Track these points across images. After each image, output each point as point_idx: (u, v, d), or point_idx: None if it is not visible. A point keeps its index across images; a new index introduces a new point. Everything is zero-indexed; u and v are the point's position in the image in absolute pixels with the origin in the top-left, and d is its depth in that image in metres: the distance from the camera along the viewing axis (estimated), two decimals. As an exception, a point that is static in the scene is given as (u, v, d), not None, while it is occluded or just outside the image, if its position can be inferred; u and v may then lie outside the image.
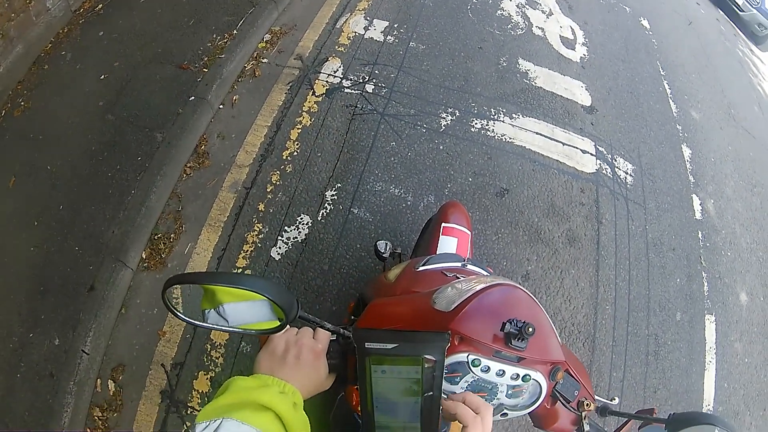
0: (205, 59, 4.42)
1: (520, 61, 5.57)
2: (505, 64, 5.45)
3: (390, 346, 1.07)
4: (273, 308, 1.09)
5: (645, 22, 8.13)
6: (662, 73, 7.08)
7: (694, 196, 5.51)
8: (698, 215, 5.35)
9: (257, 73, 4.56)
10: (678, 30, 9.04)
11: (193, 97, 4.16)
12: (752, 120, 8.05)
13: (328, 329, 1.23)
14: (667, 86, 6.87)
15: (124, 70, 4.37)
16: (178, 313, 1.09)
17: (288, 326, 1.11)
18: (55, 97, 4.24)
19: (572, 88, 5.64)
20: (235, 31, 4.67)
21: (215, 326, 1.10)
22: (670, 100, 6.62)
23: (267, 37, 4.87)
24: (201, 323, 1.11)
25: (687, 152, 5.96)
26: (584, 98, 5.62)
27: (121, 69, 4.38)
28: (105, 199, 3.65)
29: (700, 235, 5.18)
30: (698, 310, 4.60)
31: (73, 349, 3.07)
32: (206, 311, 1.11)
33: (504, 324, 1.19)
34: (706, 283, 4.83)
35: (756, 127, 7.85)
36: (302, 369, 1.12)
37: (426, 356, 1.05)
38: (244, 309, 1.10)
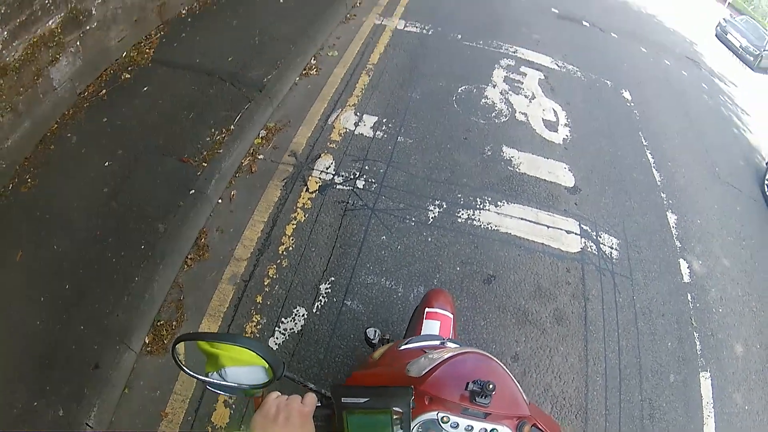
0: (205, 153, 4.65)
1: (504, 148, 5.85)
2: (489, 153, 5.72)
3: (362, 400, 1.29)
4: (265, 371, 1.35)
5: (626, 94, 8.50)
6: (645, 143, 7.38)
7: (681, 260, 5.69)
8: (686, 278, 5.51)
9: (254, 169, 4.81)
10: (659, 96, 9.43)
11: (193, 191, 4.37)
12: (738, 174, 8.32)
13: (310, 388, 1.43)
14: (650, 155, 7.14)
15: (128, 158, 4.58)
16: (185, 368, 1.36)
17: (277, 381, 1.35)
18: (61, 178, 4.42)
19: (555, 170, 5.90)
20: (232, 126, 4.92)
21: (216, 382, 1.35)
22: (654, 170, 6.89)
23: (263, 132, 5.15)
24: (204, 378, 1.36)
25: (672, 218, 6.19)
26: (567, 179, 5.87)
27: (124, 157, 4.59)
28: (110, 283, 3.79)
29: (689, 297, 5.33)
30: (692, 369, 4.72)
31: (77, 422, 3.16)
32: (210, 373, 1.36)
33: (468, 384, 1.35)
34: (698, 342, 4.96)
35: (742, 181, 8.14)
36: (291, 430, 1.26)
37: (394, 408, 1.27)
38: (241, 372, 1.35)
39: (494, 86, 6.93)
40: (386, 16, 7.99)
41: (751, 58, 17.05)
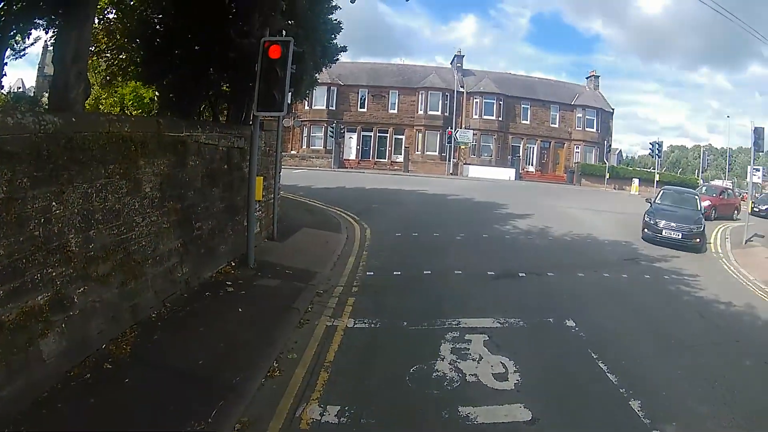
0: None
1: (460, 408, 6.18)
2: (447, 416, 6.04)
3: None
4: None
5: (570, 323, 9.27)
6: (594, 356, 7.95)
7: None
8: None
9: None
10: (604, 309, 10.44)
11: None
12: (700, 335, 9.51)
13: None
14: (602, 365, 7.68)
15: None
16: None
17: None
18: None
19: (512, 411, 6.22)
20: (209, 420, 5.23)
21: None
22: (608, 375, 7.39)
23: (237, 426, 5.40)
24: None
25: (636, 404, 6.60)
26: (524, 415, 6.17)
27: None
28: None
29: None
30: None
31: None
32: None
33: None
34: None
35: (688, 340, 9.16)
36: None
37: None
38: None
39: (443, 359, 7.41)
40: (336, 317, 8.82)
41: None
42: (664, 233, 18.47)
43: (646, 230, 19.24)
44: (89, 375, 5.70)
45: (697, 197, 22.20)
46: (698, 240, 18.60)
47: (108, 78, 16.26)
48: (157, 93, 16.03)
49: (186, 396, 5.70)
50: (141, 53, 13.11)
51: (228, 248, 10.52)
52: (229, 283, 9.43)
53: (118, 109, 19.41)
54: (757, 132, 20.81)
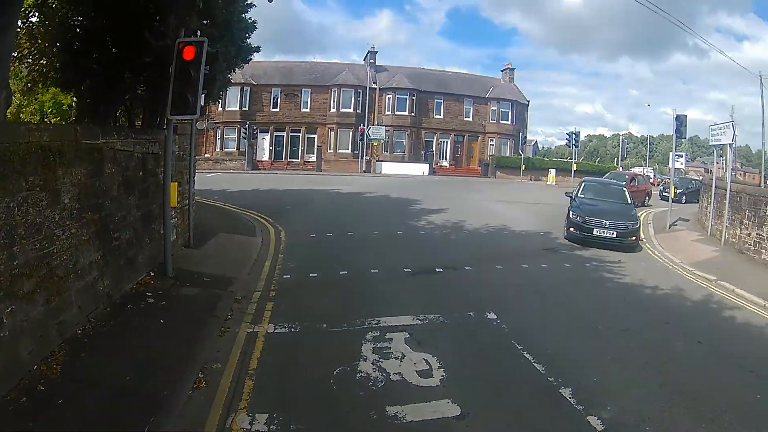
0: None
1: (388, 408, 6.26)
2: (375, 417, 6.12)
3: None
4: None
5: (491, 315, 9.57)
6: (519, 347, 8.20)
7: (588, 417, 6.26)
8: (599, 427, 6.07)
9: None
10: (524, 302, 10.85)
11: None
12: (624, 319, 10.00)
13: None
14: (527, 355, 7.93)
15: None
16: None
17: None
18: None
19: (440, 407, 6.34)
20: None
21: None
22: (535, 364, 7.64)
23: None
24: None
25: (567, 391, 6.85)
26: (453, 410, 6.28)
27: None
28: None
29: None
30: None
31: None
32: None
33: None
34: None
35: (629, 323, 9.72)
36: None
37: None
38: None
39: (365, 359, 7.51)
40: (256, 323, 8.82)
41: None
42: (595, 232, 16.70)
43: (571, 229, 17.47)
44: (25, 398, 5.57)
45: (623, 189, 20.79)
46: (634, 238, 17.21)
47: (29, 85, 15.55)
48: (75, 99, 15.51)
49: (117, 414, 5.64)
50: (61, 58, 12.72)
51: (146, 258, 10.34)
52: (149, 294, 9.31)
53: (38, 117, 18.65)
54: (679, 119, 21.49)
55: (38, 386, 5.83)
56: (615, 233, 16.60)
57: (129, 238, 9.42)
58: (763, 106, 28.46)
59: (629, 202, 19.46)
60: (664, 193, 34.48)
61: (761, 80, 27.45)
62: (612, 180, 25.88)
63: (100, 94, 11.79)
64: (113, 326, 7.69)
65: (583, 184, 21.08)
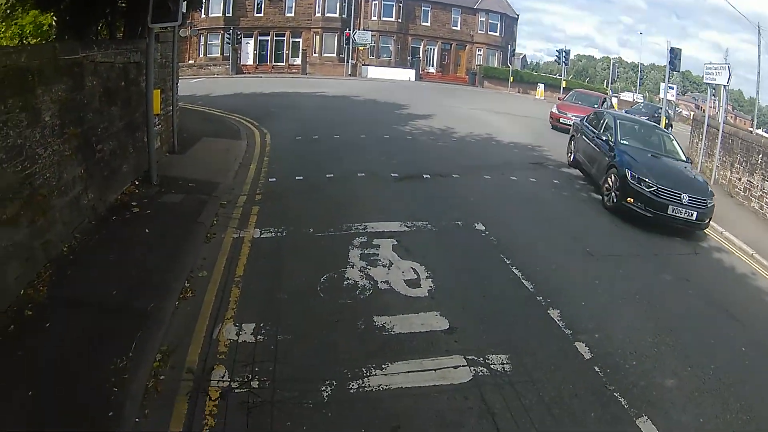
0: (113, 380, 4.91)
1: (375, 318, 6.38)
2: (363, 327, 6.23)
3: None
4: None
5: (479, 226, 9.60)
6: (508, 261, 8.29)
7: (576, 343, 6.36)
8: (587, 356, 6.17)
9: (159, 388, 5.09)
10: (513, 213, 10.82)
11: (112, 413, 4.56)
12: (613, 244, 10.10)
13: None
14: (516, 271, 8.04)
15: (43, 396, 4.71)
16: None
17: None
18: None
19: (428, 320, 6.45)
20: (130, 353, 5.27)
21: None
22: (523, 281, 7.75)
23: (159, 356, 5.48)
24: None
25: (555, 313, 6.96)
26: (441, 324, 6.41)
27: (36, 397, 4.70)
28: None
29: (596, 369, 5.97)
30: (627, 420, 5.26)
31: None
32: None
33: None
34: (622, 399, 5.52)
35: (604, 249, 9.63)
36: None
37: None
38: None
39: (353, 266, 7.60)
40: (242, 228, 8.84)
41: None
42: (670, 211, 10.99)
43: (630, 200, 11.40)
44: (13, 326, 5.54)
45: (672, 137, 14.58)
46: (708, 220, 11.57)
47: (8, 11, 14.90)
48: (55, 18, 14.92)
49: (105, 331, 5.66)
50: (38, -23, 11.97)
51: (131, 167, 10.24)
52: (134, 203, 9.28)
53: (17, 40, 17.97)
54: (674, 52, 21.23)
55: (26, 311, 5.80)
56: (695, 214, 11.06)
57: (112, 149, 9.26)
58: (759, 56, 28.07)
59: (686, 158, 13.58)
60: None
61: (759, 30, 26.74)
62: (649, 123, 16.91)
63: (79, 10, 11.28)
64: (98, 240, 7.68)
65: (617, 121, 13.99)
